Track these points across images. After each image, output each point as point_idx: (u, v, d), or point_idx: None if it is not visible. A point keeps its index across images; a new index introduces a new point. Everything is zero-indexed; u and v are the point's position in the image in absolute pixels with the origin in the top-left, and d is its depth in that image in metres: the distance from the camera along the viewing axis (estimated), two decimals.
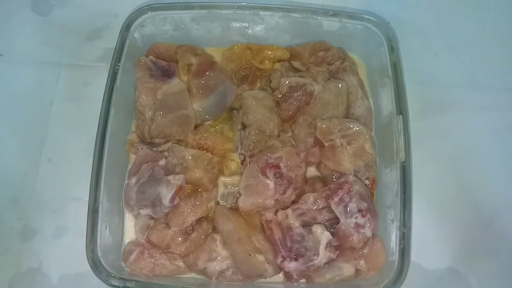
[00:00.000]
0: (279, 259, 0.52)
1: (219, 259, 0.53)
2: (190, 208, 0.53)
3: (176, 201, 0.52)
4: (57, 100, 0.64)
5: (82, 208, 0.54)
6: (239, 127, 0.59)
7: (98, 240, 0.50)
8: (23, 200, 0.60)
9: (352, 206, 0.51)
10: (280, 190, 0.53)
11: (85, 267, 0.50)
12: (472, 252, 0.58)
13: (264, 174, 0.54)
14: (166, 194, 0.51)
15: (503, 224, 0.59)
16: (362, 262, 0.53)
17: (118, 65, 0.54)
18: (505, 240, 0.59)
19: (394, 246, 0.51)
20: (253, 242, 0.52)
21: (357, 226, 0.51)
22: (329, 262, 0.52)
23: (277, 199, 0.53)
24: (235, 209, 0.55)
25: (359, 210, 0.51)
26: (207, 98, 0.58)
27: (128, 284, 0.49)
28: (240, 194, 0.55)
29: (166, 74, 0.57)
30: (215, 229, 0.54)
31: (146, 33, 0.58)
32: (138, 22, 0.56)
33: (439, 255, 0.58)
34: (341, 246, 0.52)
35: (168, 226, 0.53)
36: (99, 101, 0.54)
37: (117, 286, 0.49)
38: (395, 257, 0.50)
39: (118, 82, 0.54)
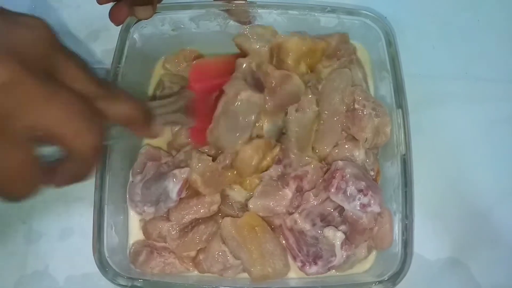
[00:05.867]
0: (299, 263, 0.52)
1: (234, 269, 0.53)
2: (192, 208, 0.53)
3: (183, 194, 0.52)
4: None
5: (86, 209, 0.54)
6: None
7: (105, 241, 0.51)
8: (27, 203, 0.59)
9: (351, 189, 0.51)
10: (295, 204, 0.53)
11: (91, 267, 0.50)
12: (472, 242, 0.59)
13: (287, 184, 0.53)
14: (173, 188, 0.52)
15: (501, 213, 0.60)
16: (370, 240, 0.54)
17: (118, 67, 0.54)
18: (504, 229, 0.60)
19: (397, 238, 0.52)
20: (268, 261, 0.52)
21: (363, 206, 0.51)
22: None
23: (288, 210, 0.53)
24: (238, 217, 0.54)
25: (359, 191, 0.51)
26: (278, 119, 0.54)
27: (136, 283, 0.50)
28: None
29: (259, 87, 0.52)
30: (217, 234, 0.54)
31: (145, 33, 0.58)
32: (138, 23, 0.56)
33: (440, 246, 0.59)
34: (353, 231, 0.52)
35: (167, 219, 0.54)
36: None
37: (124, 286, 0.50)
38: (398, 249, 0.51)
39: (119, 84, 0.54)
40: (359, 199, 0.51)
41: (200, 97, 0.50)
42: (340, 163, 0.53)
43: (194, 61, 0.60)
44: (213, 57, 0.60)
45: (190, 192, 0.54)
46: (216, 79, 0.51)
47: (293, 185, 0.53)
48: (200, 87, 0.50)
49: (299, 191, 0.53)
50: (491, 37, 0.67)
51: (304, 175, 0.54)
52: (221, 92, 0.50)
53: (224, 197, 0.55)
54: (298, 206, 0.53)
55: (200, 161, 0.53)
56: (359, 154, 0.55)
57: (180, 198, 0.53)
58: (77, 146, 0.31)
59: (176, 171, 0.53)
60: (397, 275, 0.50)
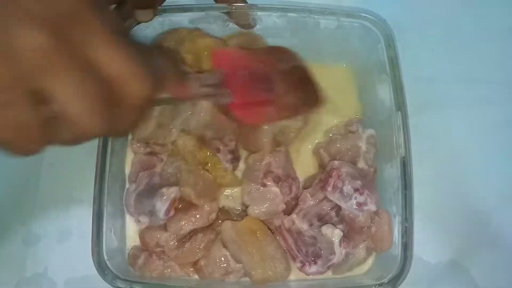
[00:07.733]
0: (298, 264, 0.52)
1: (236, 274, 0.53)
2: (190, 218, 0.52)
3: (172, 213, 0.51)
4: None
5: (85, 211, 0.54)
6: None
7: (104, 244, 0.51)
8: (26, 206, 0.60)
9: (347, 188, 0.51)
10: (286, 191, 0.53)
11: (91, 270, 0.50)
12: (473, 245, 0.59)
13: (264, 185, 0.53)
14: (161, 207, 0.51)
15: (502, 216, 0.60)
16: (370, 241, 0.54)
17: None
18: (504, 232, 0.60)
19: (396, 241, 0.52)
20: (269, 264, 0.52)
21: (359, 205, 0.51)
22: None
23: (287, 200, 0.53)
24: (238, 220, 0.55)
25: (355, 190, 0.51)
26: None
27: (135, 286, 0.50)
28: (245, 207, 0.54)
29: None
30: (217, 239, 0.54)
31: (145, 36, 0.58)
32: (138, 25, 0.56)
33: (440, 248, 0.59)
34: (350, 230, 0.52)
35: (165, 229, 0.53)
36: None
37: None
38: (398, 252, 0.51)
39: None
40: (355, 198, 0.51)
41: (230, 74, 0.45)
42: (336, 162, 0.53)
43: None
44: (229, 48, 0.58)
45: (185, 204, 0.53)
46: (241, 60, 0.48)
47: (269, 182, 0.53)
48: (227, 66, 0.46)
49: (277, 181, 0.53)
50: (491, 40, 0.67)
51: (268, 166, 0.54)
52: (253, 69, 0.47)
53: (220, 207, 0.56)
54: (291, 190, 0.53)
55: (190, 173, 0.53)
56: (361, 146, 0.55)
57: (178, 209, 0.52)
58: (131, 91, 0.28)
59: (164, 190, 0.51)
60: (397, 278, 0.50)
